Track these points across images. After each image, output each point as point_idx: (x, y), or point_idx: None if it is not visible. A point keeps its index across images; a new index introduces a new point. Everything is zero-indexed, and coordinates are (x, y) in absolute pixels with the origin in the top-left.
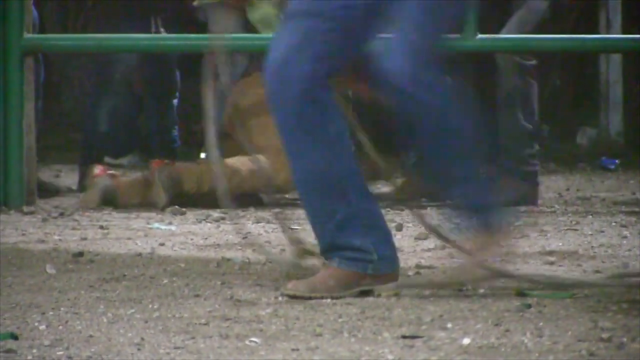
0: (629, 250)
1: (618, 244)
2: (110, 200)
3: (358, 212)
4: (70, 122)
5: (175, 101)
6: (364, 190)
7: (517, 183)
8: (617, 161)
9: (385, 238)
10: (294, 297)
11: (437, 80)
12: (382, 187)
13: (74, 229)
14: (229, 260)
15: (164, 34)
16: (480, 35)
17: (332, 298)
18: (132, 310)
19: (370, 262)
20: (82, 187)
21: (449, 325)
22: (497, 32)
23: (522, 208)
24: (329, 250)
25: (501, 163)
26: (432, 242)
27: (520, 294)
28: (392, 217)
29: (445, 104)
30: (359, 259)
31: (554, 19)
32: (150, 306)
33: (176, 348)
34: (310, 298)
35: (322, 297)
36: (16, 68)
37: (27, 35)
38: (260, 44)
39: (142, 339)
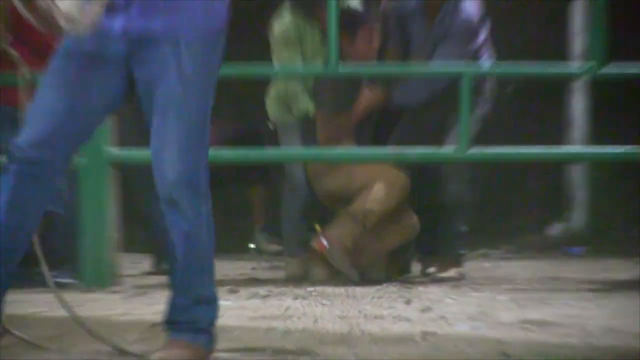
0: (593, 320)
1: (585, 315)
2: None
3: None
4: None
5: None
6: None
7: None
8: (582, 249)
9: None
10: None
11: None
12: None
13: (150, 304)
14: (273, 329)
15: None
16: (471, 150)
17: None
18: None
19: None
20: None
21: None
22: None
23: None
24: None
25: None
26: (434, 313)
27: (505, 354)
28: (402, 293)
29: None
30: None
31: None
32: None
33: None
34: None
35: None
36: (103, 176)
37: (112, 149)
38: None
39: None
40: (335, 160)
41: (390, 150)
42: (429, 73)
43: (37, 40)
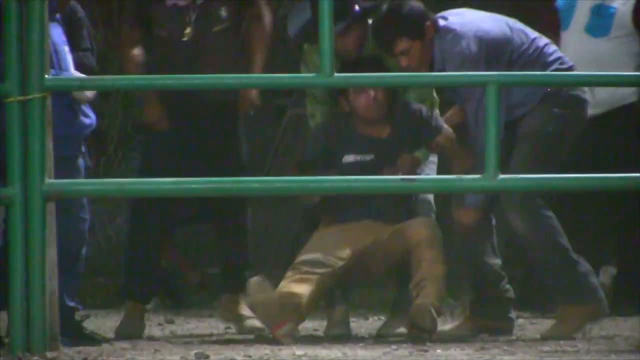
0: None
1: None
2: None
3: None
4: (93, 267)
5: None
6: None
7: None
8: None
9: None
10: None
11: None
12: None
13: None
14: None
15: (190, 179)
16: (501, 176)
17: None
18: None
19: None
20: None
21: None
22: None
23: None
24: None
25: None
26: None
27: None
28: (416, 358)
29: None
30: None
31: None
32: None
33: None
34: None
35: None
36: (38, 213)
37: (48, 181)
38: None
39: None
40: (343, 190)
41: (402, 180)
42: (446, 83)
43: None
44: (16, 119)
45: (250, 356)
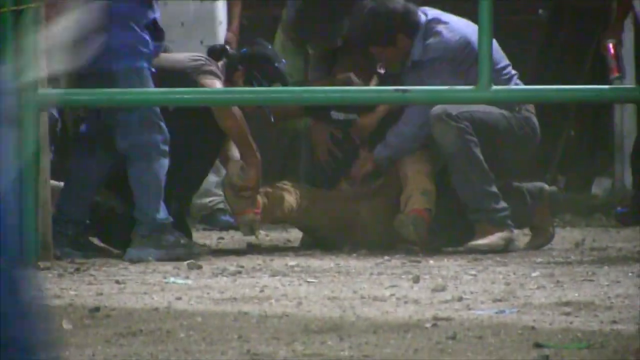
0: None
1: (635, 295)
2: None
3: None
4: None
5: None
6: None
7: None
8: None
9: None
10: None
11: None
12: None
13: (90, 283)
14: (245, 314)
15: (178, 88)
16: (494, 87)
17: None
18: None
19: None
20: None
21: None
22: None
23: None
24: None
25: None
26: (449, 294)
27: (538, 345)
28: (408, 269)
29: None
30: None
31: (571, 68)
32: None
33: None
34: None
35: None
36: (32, 122)
37: (42, 90)
38: None
39: None
40: (336, 101)
41: (395, 90)
42: None
43: None
44: (10, 29)
45: (242, 266)
